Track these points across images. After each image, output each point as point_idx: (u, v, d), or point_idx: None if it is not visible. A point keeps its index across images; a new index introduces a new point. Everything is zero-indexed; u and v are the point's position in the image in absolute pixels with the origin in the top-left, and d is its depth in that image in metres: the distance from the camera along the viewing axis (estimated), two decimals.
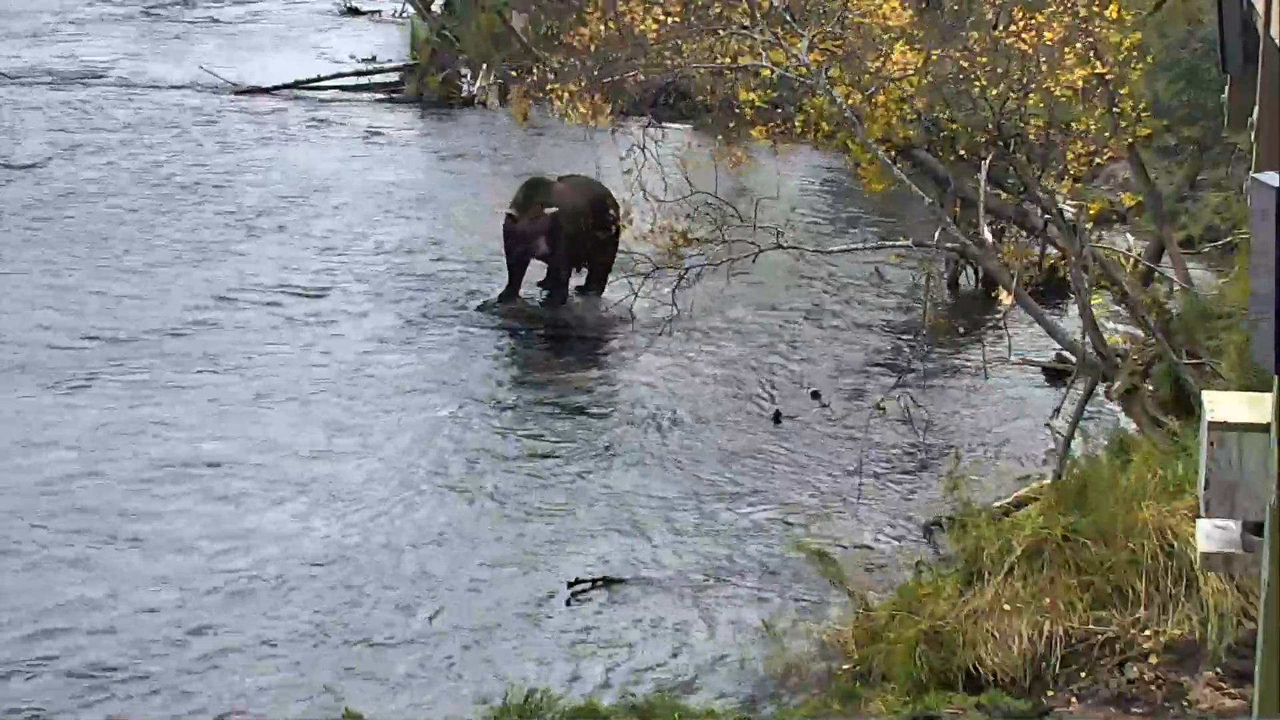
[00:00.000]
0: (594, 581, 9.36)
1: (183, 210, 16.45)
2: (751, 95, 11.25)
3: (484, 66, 22.57)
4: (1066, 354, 11.54)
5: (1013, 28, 10.49)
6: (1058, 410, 9.60)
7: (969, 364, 12.99)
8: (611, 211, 13.82)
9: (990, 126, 10.89)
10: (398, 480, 10.64)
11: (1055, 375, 13.02)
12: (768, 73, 10.92)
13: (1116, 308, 12.45)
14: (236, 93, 22.49)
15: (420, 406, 11.91)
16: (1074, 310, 13.10)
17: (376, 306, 14.06)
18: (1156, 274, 13.09)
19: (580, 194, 14.49)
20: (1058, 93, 10.53)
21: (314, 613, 8.88)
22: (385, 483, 10.58)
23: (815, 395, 12.66)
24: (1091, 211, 11.30)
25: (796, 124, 11.47)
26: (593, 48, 11.61)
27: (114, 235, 15.42)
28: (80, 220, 15.77)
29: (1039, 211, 11.06)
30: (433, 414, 11.80)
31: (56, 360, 12.26)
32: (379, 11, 26.71)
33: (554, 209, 14.01)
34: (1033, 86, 10.58)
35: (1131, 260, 13.05)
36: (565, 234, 14.13)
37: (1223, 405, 4.72)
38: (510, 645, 8.72)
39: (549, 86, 12.30)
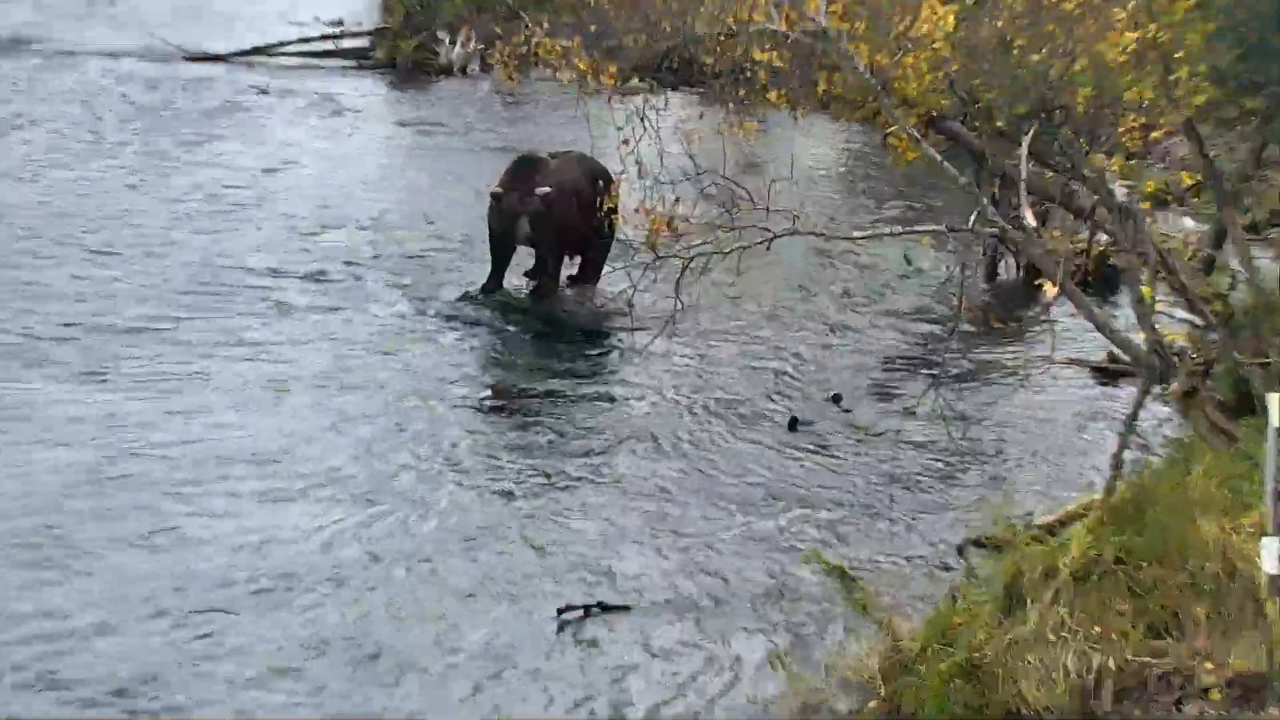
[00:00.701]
0: (586, 608, 9.34)
1: (145, 188, 16.49)
2: (766, 55, 11.22)
3: (464, 30, 22.58)
4: (1118, 352, 11.51)
5: None
6: (1132, 419, 9.58)
7: (1009, 363, 12.98)
8: (610, 191, 13.78)
9: (1032, 96, 10.86)
10: (366, 496, 10.61)
11: (1105, 376, 13.01)
12: (782, 31, 10.88)
13: (1173, 300, 12.42)
14: (189, 60, 22.50)
15: (390, 413, 11.88)
16: (1126, 303, 13.11)
17: (346, 300, 14.04)
18: (1218, 262, 13.08)
19: (575, 173, 14.46)
20: (1110, 57, 10.49)
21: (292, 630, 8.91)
22: (355, 500, 10.55)
23: (836, 399, 12.65)
24: (1146, 192, 11.27)
25: (817, 90, 11.44)
26: (590, 2, 11.59)
27: (79, 214, 15.44)
28: (40, 196, 15.81)
29: (1087, 192, 11.03)
30: (404, 421, 11.77)
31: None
32: None
33: (547, 189, 14.01)
34: (1080, 50, 10.55)
35: (1190, 247, 13.04)
36: (556, 217, 14.12)
37: None
38: (491, 678, 8.70)
39: (539, 43, 12.27)
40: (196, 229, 15.33)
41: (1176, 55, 10.74)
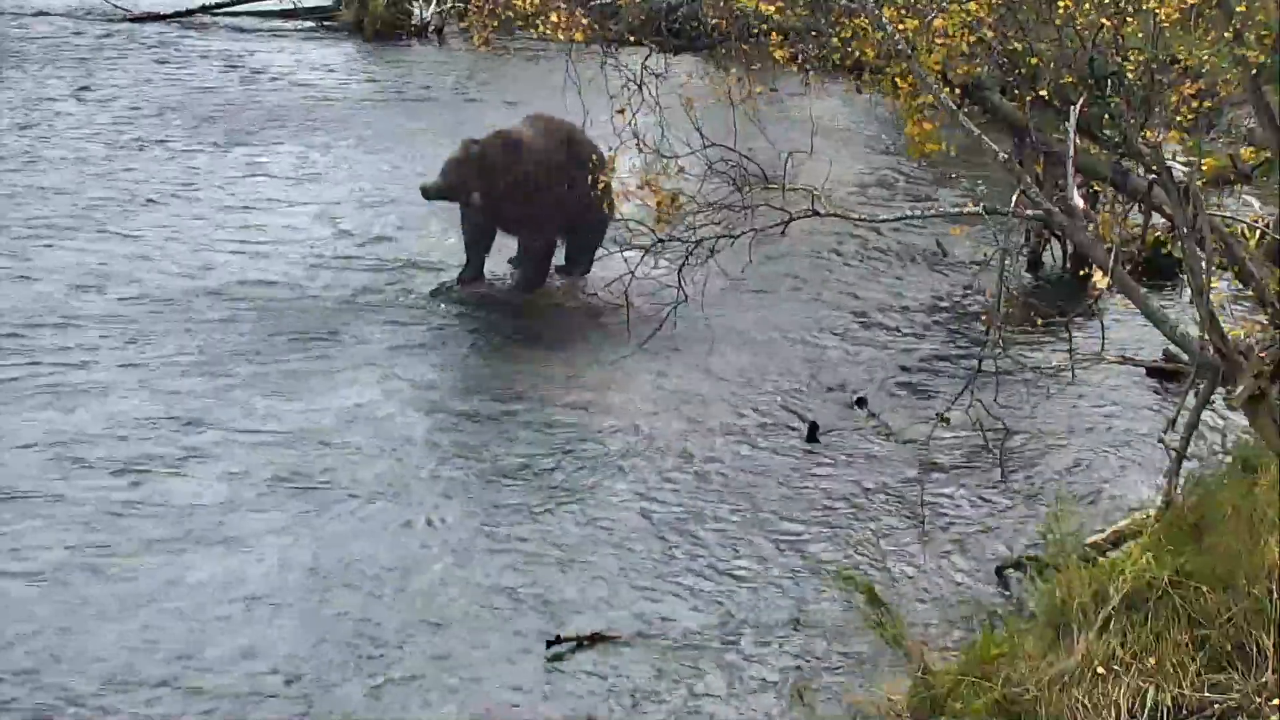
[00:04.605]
0: (579, 640, 9.39)
1: (83, 173, 16.62)
2: (769, 9, 11.28)
3: None
4: (1176, 350, 11.57)
5: None
6: (1173, 422, 9.65)
7: (1054, 362, 13.02)
8: (595, 163, 13.78)
9: (1079, 62, 10.92)
10: (334, 514, 10.67)
11: (1162, 376, 13.06)
12: None
13: (1238, 292, 12.47)
14: (128, 19, 22.57)
15: (359, 422, 11.93)
16: (1186, 295, 13.16)
17: (312, 291, 14.13)
18: None
19: (553, 142, 14.41)
20: (1163, 14, 10.56)
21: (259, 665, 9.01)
22: (326, 519, 10.62)
23: (861, 403, 12.70)
24: (1206, 170, 11.31)
25: (834, 55, 11.51)
26: None
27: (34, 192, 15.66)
28: None
29: (1141, 170, 11.09)
30: (375, 431, 11.82)
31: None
32: None
33: (476, 200, 13.94)
34: (1132, 10, 10.61)
35: (1258, 232, 13.06)
36: (537, 195, 14.09)
37: None
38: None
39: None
40: (132, 219, 15.46)
41: (1240, 8, 10.78)
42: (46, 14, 22.69)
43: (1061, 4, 10.76)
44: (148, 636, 9.24)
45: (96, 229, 15.32)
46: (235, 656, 9.08)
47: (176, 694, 8.79)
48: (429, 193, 14.04)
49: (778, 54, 11.77)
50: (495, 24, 13.39)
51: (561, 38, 12.33)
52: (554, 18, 12.19)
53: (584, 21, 12.26)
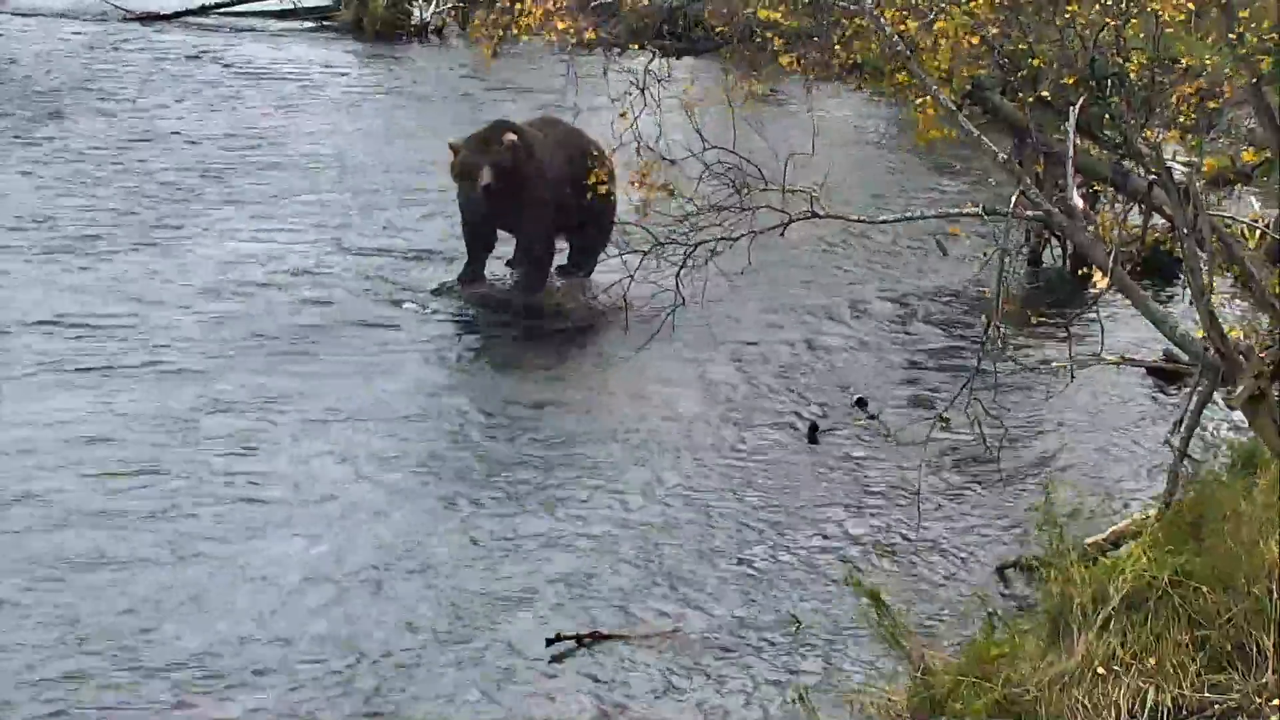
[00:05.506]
0: (579, 638, 9.39)
1: (104, 170, 16.73)
2: (777, 15, 11.28)
3: None
4: (1176, 351, 11.57)
5: None
6: (1178, 424, 9.65)
7: (1053, 362, 13.02)
8: (600, 166, 13.82)
9: (1080, 62, 10.92)
10: (338, 511, 10.67)
11: (1162, 377, 13.06)
12: None
13: (1238, 292, 12.47)
14: (127, 19, 22.61)
15: (361, 420, 11.94)
16: (1186, 296, 13.16)
17: (314, 288, 14.15)
18: None
19: (559, 145, 14.40)
20: (1166, 15, 10.56)
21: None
22: (322, 518, 10.62)
23: (860, 404, 12.70)
24: (1207, 171, 11.32)
25: (836, 56, 11.50)
26: None
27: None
28: None
29: (1141, 171, 11.08)
30: (377, 430, 11.82)
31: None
32: None
33: (513, 137, 13.82)
34: (1134, 10, 10.61)
35: (1258, 233, 13.07)
36: (538, 194, 14.07)
37: None
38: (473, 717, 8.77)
39: (520, 8, 12.38)
40: (144, 231, 15.50)
41: (1242, 14, 10.80)
42: (47, 15, 22.70)
43: (1069, 7, 10.76)
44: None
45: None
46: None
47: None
48: (489, 188, 13.86)
49: (782, 60, 11.77)
50: (501, 33, 13.36)
51: (571, 38, 12.33)
52: (560, 24, 12.19)
53: (590, 25, 12.27)
